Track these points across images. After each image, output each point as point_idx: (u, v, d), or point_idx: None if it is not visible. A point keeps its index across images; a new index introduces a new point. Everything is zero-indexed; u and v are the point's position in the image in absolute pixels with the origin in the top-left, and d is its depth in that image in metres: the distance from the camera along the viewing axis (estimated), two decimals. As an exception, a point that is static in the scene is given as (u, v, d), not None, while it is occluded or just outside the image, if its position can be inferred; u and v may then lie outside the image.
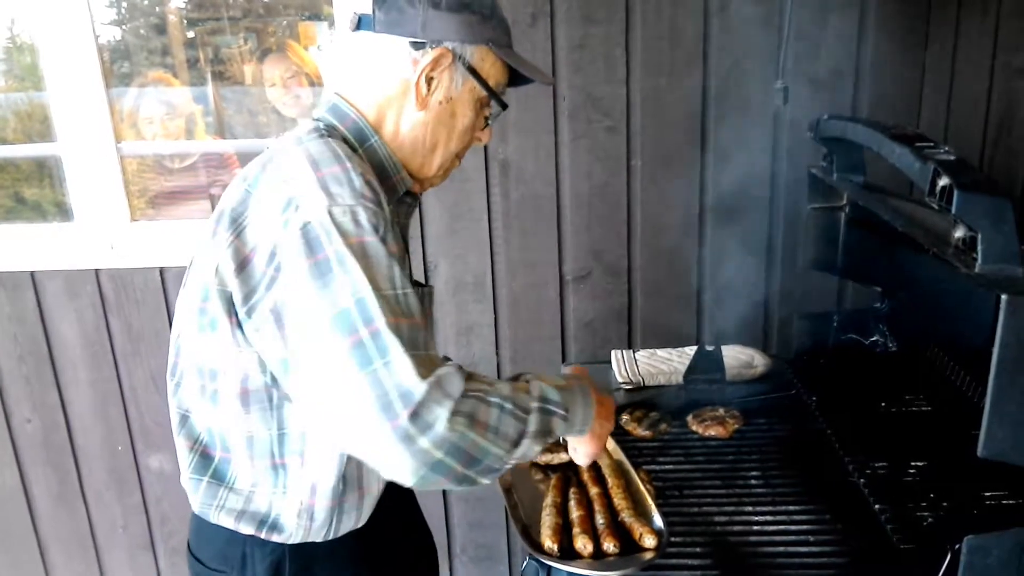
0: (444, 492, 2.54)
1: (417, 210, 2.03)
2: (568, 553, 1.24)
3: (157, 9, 3.54)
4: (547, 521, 1.29)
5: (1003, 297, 0.96)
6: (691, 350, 1.97)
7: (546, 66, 2.15)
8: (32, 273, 2.42)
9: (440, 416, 0.94)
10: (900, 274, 1.68)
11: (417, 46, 1.17)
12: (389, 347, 0.95)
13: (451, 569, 2.64)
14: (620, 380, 1.96)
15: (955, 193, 1.04)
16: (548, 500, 1.35)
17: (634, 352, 2.09)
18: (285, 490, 1.17)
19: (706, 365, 1.89)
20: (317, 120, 1.21)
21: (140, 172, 2.71)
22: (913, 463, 1.46)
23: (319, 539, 1.20)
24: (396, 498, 1.30)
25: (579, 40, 2.14)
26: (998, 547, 1.09)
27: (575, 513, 1.31)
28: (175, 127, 2.85)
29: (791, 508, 1.47)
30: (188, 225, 2.49)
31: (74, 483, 2.61)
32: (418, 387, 0.94)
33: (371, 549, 1.27)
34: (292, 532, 1.18)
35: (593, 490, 1.38)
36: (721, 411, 1.77)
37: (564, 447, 1.38)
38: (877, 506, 1.35)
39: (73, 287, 2.43)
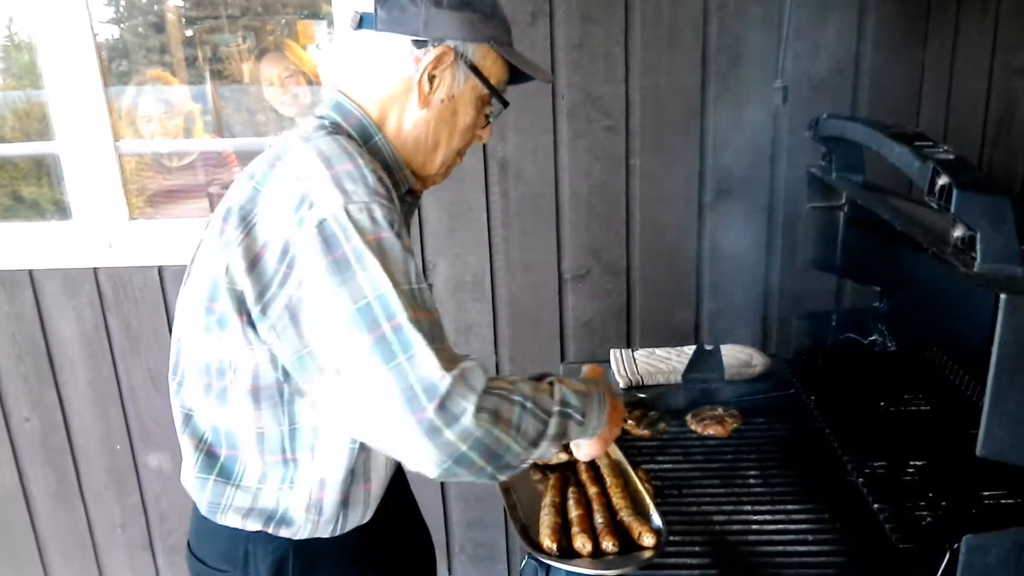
0: (443, 492, 2.54)
1: (416, 209, 2.03)
2: (567, 552, 1.24)
3: (155, 7, 3.53)
4: (546, 520, 1.29)
5: (1002, 296, 0.96)
6: (690, 349, 1.97)
7: (545, 65, 2.15)
8: (30, 272, 2.42)
9: (466, 409, 0.96)
10: (899, 273, 1.68)
11: (419, 44, 1.17)
12: (412, 341, 0.96)
13: (450, 568, 2.64)
14: (619, 379, 1.96)
15: (954, 192, 1.03)
16: (547, 500, 1.36)
17: (633, 351, 2.09)
18: (292, 484, 1.17)
19: (705, 364, 1.89)
20: (321, 118, 1.21)
21: (138, 171, 2.70)
22: (912, 462, 1.46)
23: (325, 535, 1.20)
24: (396, 497, 1.30)
25: (578, 39, 2.14)
26: (997, 546, 1.09)
27: (574, 512, 1.31)
28: (173, 125, 2.85)
29: (790, 507, 1.47)
30: (186, 224, 2.49)
31: (72, 482, 2.61)
32: (443, 380, 0.95)
33: (372, 547, 1.27)
34: (300, 526, 1.18)
35: (592, 489, 1.38)
36: (720, 410, 1.77)
37: (564, 446, 1.38)
38: (876, 505, 1.35)
39: (71, 286, 2.43)
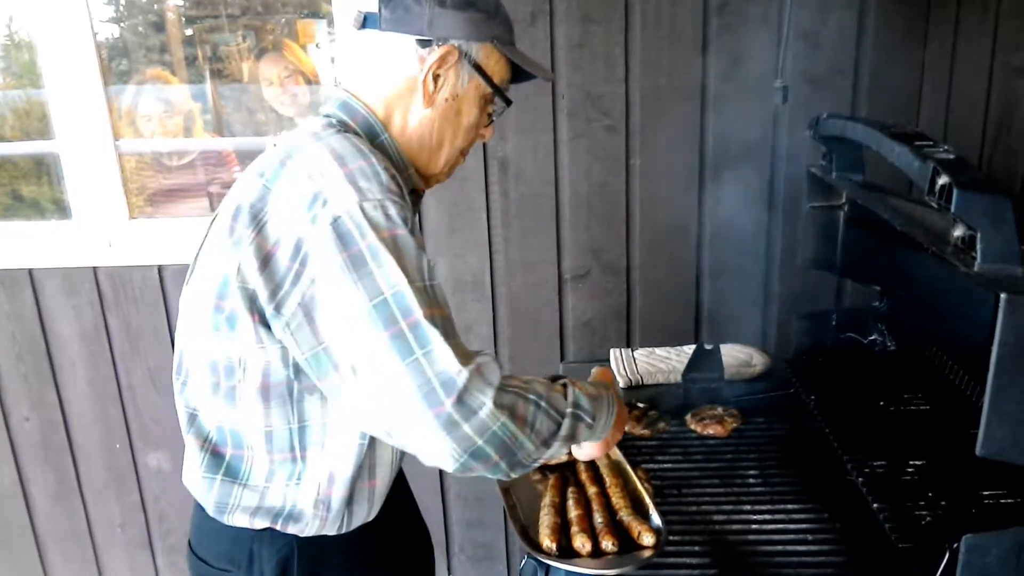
0: (442, 492, 2.54)
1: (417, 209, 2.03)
2: (566, 552, 1.24)
3: (155, 7, 3.53)
4: (545, 520, 1.29)
5: (1002, 296, 0.96)
6: (690, 349, 1.97)
7: (545, 64, 2.14)
8: (30, 271, 2.42)
9: (484, 403, 0.98)
10: (899, 273, 1.68)
11: (424, 44, 1.18)
12: (430, 337, 0.98)
13: (449, 568, 2.64)
14: (619, 379, 1.96)
15: (954, 192, 1.03)
16: (546, 500, 1.35)
17: (633, 351, 2.09)
18: (299, 481, 1.17)
19: (705, 364, 1.89)
20: (328, 116, 1.21)
21: (138, 170, 2.70)
22: (912, 462, 1.46)
23: (331, 532, 1.20)
24: (397, 496, 1.30)
25: (578, 39, 2.14)
26: (996, 546, 1.09)
27: (573, 512, 1.31)
28: (173, 125, 2.85)
29: (789, 507, 1.47)
30: (186, 223, 2.49)
31: (72, 481, 2.61)
32: (461, 374, 0.97)
33: (375, 546, 1.27)
34: (309, 522, 1.18)
35: (591, 489, 1.38)
36: (720, 410, 1.77)
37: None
38: (875, 505, 1.35)
39: (71, 285, 2.42)
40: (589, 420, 1.15)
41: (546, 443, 1.08)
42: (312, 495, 1.17)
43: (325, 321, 1.03)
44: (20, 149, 2.85)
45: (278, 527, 1.19)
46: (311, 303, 1.03)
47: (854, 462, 1.47)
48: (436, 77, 1.19)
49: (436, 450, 0.99)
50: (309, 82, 3.01)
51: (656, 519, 1.30)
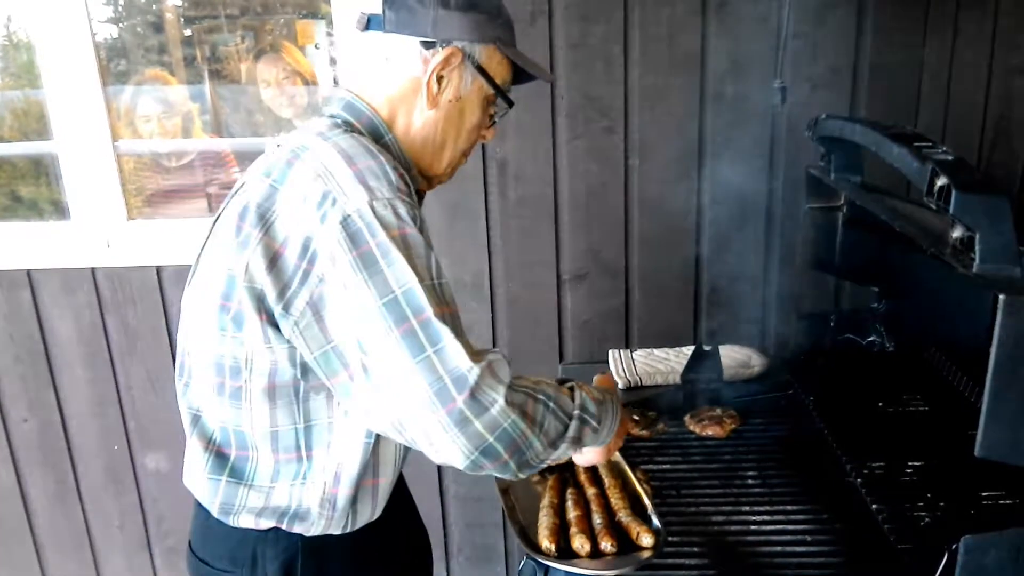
0: (441, 493, 2.54)
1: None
2: (566, 553, 1.24)
3: (154, 7, 3.52)
4: (544, 521, 1.29)
5: (1001, 297, 0.96)
6: (688, 350, 1.97)
7: (544, 65, 2.14)
8: (28, 272, 2.42)
9: (496, 400, 0.99)
10: (898, 274, 1.68)
11: (428, 45, 1.18)
12: (441, 334, 0.98)
13: (448, 569, 2.63)
14: (618, 379, 1.96)
15: (953, 193, 1.03)
16: (545, 501, 1.35)
17: (631, 352, 2.09)
18: (305, 480, 1.17)
19: (703, 365, 1.89)
20: (333, 116, 1.21)
21: (137, 170, 2.70)
22: (910, 463, 1.46)
23: (337, 531, 1.20)
24: (397, 497, 1.30)
25: (577, 39, 2.14)
26: (995, 547, 1.09)
27: (572, 513, 1.31)
28: (172, 125, 2.84)
29: (788, 508, 1.47)
30: (185, 224, 2.48)
31: (70, 482, 2.61)
32: (472, 371, 0.98)
33: (377, 545, 1.27)
34: (314, 521, 1.19)
35: (590, 490, 1.38)
36: (718, 411, 1.77)
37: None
38: (874, 506, 1.35)
39: (69, 286, 2.42)
40: (595, 424, 1.16)
41: (553, 444, 1.09)
42: (318, 494, 1.17)
43: (334, 319, 1.03)
44: (18, 149, 2.85)
45: (284, 527, 1.19)
46: (320, 302, 1.03)
47: (853, 463, 1.47)
48: (440, 78, 1.20)
49: (447, 447, 0.99)
50: (307, 83, 3.01)
51: (655, 520, 1.30)
